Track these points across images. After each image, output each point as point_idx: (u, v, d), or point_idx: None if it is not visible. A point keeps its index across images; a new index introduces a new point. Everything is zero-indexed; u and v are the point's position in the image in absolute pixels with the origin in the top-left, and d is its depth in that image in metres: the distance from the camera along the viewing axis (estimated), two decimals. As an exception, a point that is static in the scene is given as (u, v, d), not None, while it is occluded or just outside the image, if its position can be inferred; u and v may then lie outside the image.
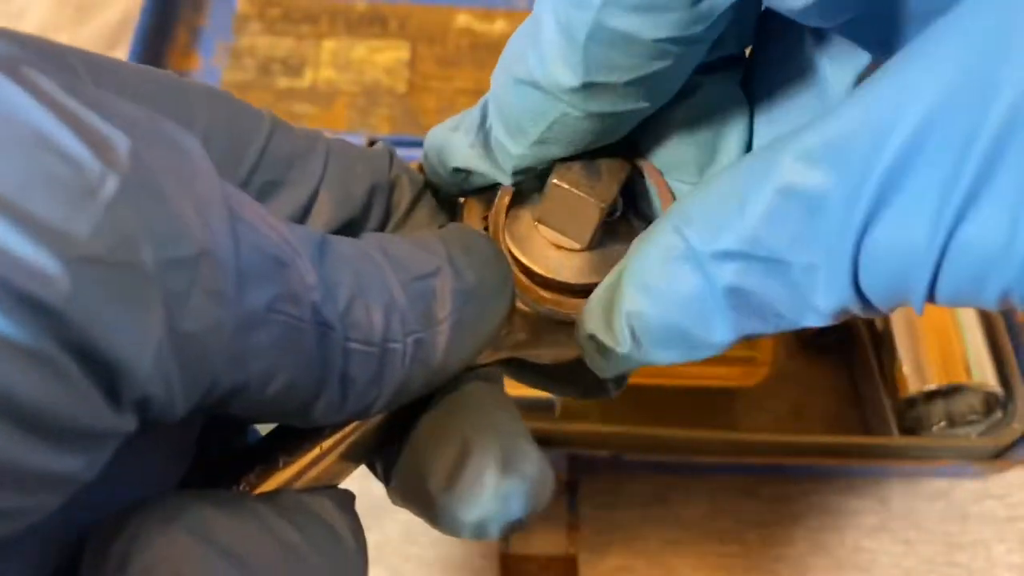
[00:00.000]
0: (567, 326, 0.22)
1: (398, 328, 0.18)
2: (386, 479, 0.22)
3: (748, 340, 0.19)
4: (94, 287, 0.12)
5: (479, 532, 0.18)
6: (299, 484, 0.19)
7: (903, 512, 0.46)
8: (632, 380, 0.47)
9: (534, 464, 0.19)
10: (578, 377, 0.23)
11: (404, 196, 0.23)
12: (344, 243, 0.18)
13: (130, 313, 0.13)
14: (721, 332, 0.18)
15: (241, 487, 0.19)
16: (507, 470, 0.18)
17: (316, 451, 0.19)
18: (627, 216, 0.23)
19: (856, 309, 0.16)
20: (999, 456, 0.43)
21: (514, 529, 0.18)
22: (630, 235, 0.21)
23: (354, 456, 0.20)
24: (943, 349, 0.44)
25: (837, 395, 0.48)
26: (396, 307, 0.18)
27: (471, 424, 0.19)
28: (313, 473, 0.19)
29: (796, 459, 0.43)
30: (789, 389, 0.48)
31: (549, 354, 0.23)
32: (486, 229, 0.23)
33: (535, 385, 0.25)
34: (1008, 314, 0.46)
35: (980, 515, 0.46)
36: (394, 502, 0.21)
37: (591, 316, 0.20)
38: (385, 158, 0.23)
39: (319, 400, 0.17)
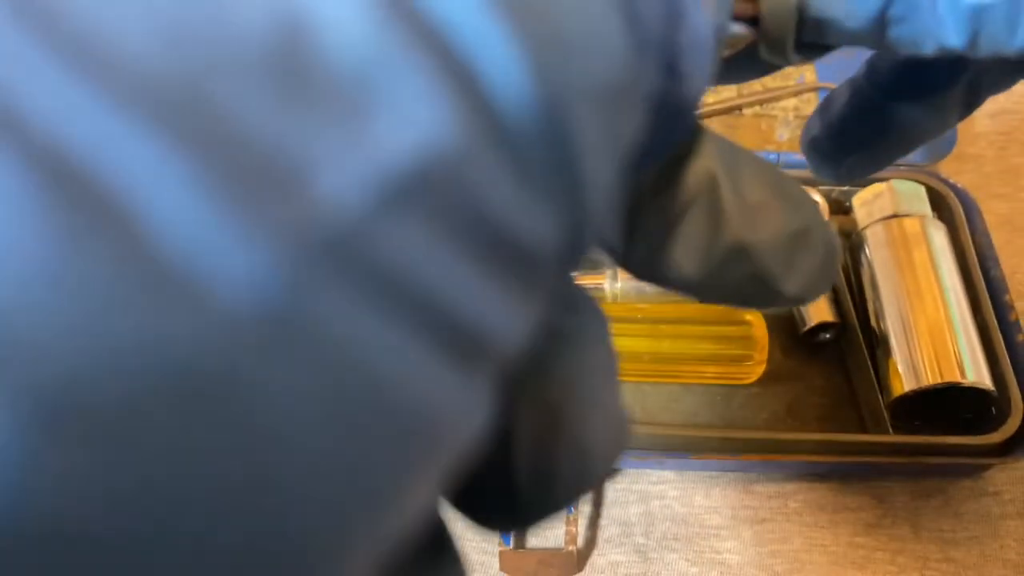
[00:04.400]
0: None
1: None
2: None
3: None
4: None
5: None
6: None
7: (898, 509, 0.46)
8: (629, 379, 0.48)
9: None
10: None
11: None
12: None
13: None
14: None
15: None
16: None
17: None
18: None
19: None
20: (993, 454, 0.43)
21: None
22: None
23: None
24: (937, 348, 0.44)
25: (832, 393, 0.49)
26: None
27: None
28: None
29: (791, 456, 0.44)
30: (784, 387, 0.49)
31: None
32: None
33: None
34: (1002, 313, 0.47)
35: (975, 512, 0.46)
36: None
37: None
38: None
39: None
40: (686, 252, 0.15)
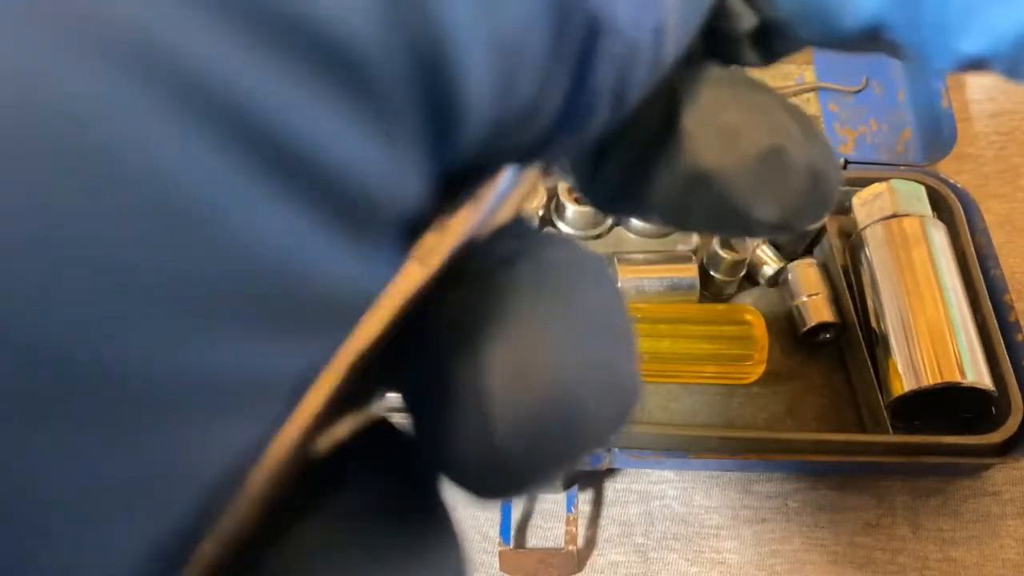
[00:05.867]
0: None
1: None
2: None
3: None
4: None
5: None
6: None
7: (898, 509, 0.46)
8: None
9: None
10: None
11: None
12: None
13: None
14: None
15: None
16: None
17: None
18: None
19: None
20: (993, 454, 0.43)
21: None
22: None
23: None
24: (937, 348, 0.44)
25: (832, 393, 0.49)
26: None
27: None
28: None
29: (792, 456, 0.44)
30: (784, 387, 0.49)
31: None
32: None
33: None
34: (1002, 313, 0.47)
35: (975, 512, 0.46)
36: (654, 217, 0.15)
37: None
38: None
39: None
40: (647, 181, 0.14)
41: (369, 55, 0.07)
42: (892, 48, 0.16)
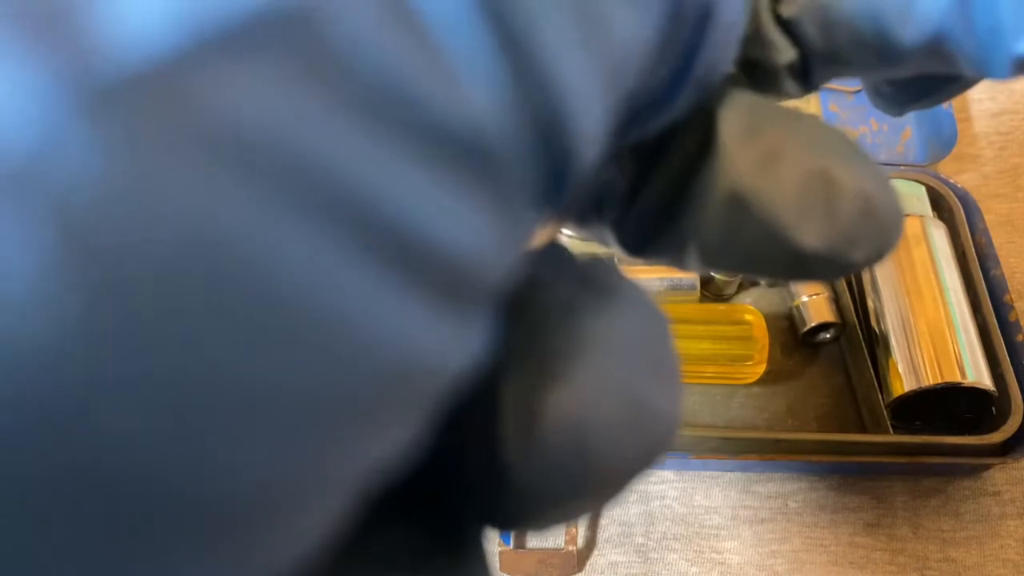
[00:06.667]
0: None
1: None
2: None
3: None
4: None
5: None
6: None
7: (898, 509, 0.46)
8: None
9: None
10: None
11: None
12: None
13: None
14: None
15: None
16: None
17: None
18: None
19: None
20: (993, 454, 0.43)
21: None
22: None
23: None
24: (937, 348, 0.44)
25: (832, 393, 0.49)
26: None
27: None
28: None
29: (792, 456, 0.44)
30: (784, 387, 0.49)
31: None
32: None
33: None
34: (1002, 313, 0.47)
35: (975, 512, 0.46)
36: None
37: None
38: None
39: None
40: (685, 209, 0.13)
41: (500, 144, 0.07)
42: (945, 61, 0.16)
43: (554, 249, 0.12)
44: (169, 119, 0.06)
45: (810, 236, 0.13)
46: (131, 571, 0.06)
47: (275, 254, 0.06)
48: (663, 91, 0.11)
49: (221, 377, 0.06)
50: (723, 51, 0.11)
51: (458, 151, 0.07)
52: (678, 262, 0.14)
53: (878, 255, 0.13)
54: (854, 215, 0.13)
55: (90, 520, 0.06)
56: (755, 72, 0.16)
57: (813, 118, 0.14)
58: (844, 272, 0.13)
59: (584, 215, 0.15)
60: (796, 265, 0.13)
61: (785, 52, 0.16)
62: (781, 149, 0.13)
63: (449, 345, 0.08)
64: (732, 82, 0.15)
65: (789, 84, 0.16)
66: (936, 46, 0.15)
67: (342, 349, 0.07)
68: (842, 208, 0.13)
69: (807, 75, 0.17)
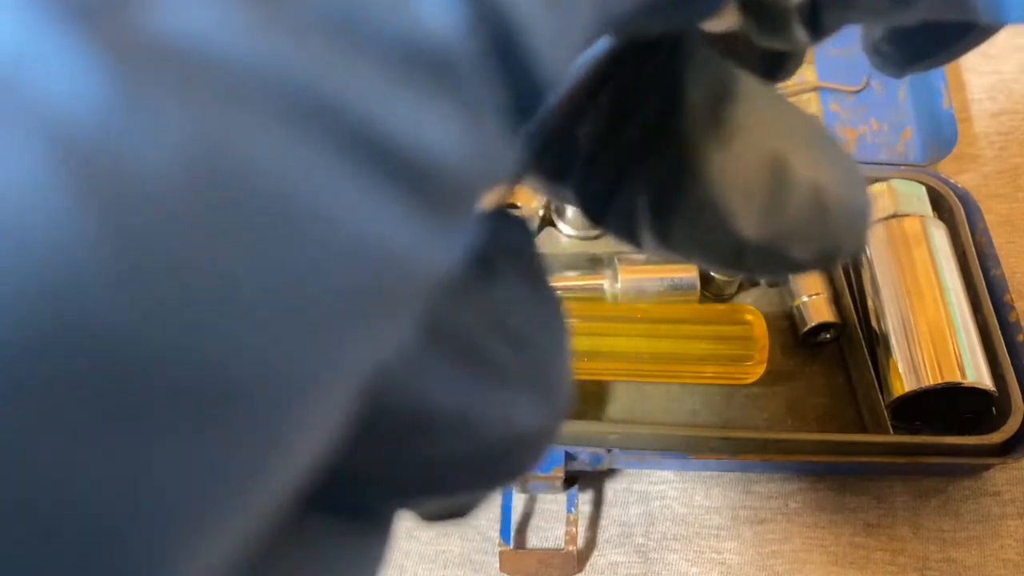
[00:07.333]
0: None
1: None
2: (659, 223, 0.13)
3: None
4: None
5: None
6: None
7: (898, 509, 0.46)
8: (628, 378, 0.48)
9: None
10: None
11: None
12: None
13: None
14: None
15: None
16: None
17: None
18: None
19: None
20: (993, 454, 0.43)
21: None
22: None
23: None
24: (937, 348, 0.44)
25: (832, 393, 0.49)
26: None
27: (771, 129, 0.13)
28: None
29: (791, 456, 0.44)
30: (784, 387, 0.49)
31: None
32: None
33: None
34: (1002, 313, 0.47)
35: (975, 512, 0.46)
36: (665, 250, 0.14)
37: None
38: None
39: None
40: (640, 178, 0.13)
41: (457, 56, 0.08)
42: (959, 2, 0.15)
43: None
44: (139, 38, 0.06)
45: (748, 224, 0.12)
46: (156, 449, 0.07)
47: (260, 159, 0.07)
48: None
49: (206, 268, 0.07)
50: None
51: (418, 62, 0.08)
52: (632, 236, 0.13)
53: (823, 257, 0.12)
54: (801, 208, 0.12)
55: (113, 399, 0.06)
56: (763, 15, 0.15)
57: (784, 99, 0.13)
58: (784, 270, 0.12)
59: (553, 174, 0.14)
60: (733, 255, 0.12)
61: None
62: (739, 126, 0.12)
63: (428, 246, 0.08)
64: (732, 40, 0.14)
65: (798, 30, 0.15)
66: None
67: (327, 240, 0.07)
68: (789, 199, 0.12)
69: (816, 20, 0.16)
